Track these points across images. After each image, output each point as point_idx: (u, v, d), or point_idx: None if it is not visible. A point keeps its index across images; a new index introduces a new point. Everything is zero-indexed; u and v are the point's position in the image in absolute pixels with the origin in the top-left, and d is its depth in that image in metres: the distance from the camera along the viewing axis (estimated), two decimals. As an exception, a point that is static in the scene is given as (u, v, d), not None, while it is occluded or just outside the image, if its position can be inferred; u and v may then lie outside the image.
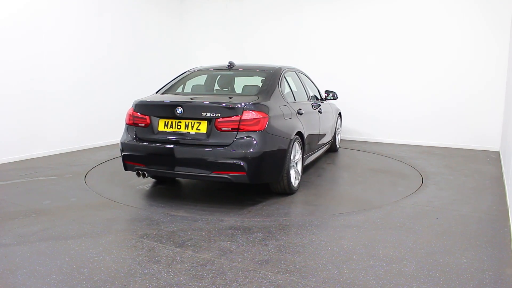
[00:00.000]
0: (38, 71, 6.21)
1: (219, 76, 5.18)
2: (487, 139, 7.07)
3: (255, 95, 4.25)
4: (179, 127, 3.96)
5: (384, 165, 5.97)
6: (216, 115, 3.82)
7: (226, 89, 5.01)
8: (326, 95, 6.12)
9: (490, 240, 3.19)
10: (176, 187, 4.82)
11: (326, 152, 6.71)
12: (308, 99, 5.36)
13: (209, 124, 3.85)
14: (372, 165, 5.99)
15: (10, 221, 3.54)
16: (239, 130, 3.77)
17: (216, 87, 5.08)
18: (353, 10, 7.93)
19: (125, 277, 2.57)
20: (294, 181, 4.38)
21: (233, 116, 3.79)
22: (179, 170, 3.93)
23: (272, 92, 4.33)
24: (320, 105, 5.70)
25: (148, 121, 4.09)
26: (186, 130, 3.92)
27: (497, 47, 6.84)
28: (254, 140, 3.77)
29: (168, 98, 4.30)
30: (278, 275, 2.61)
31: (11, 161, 5.88)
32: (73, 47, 6.72)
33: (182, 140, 3.92)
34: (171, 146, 3.92)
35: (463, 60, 7.13)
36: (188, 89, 4.90)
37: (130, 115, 4.25)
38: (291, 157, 4.24)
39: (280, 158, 4.05)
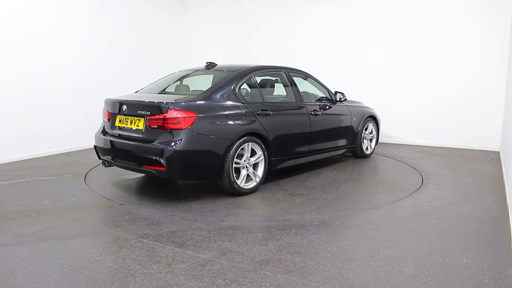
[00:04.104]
0: (38, 71, 6.21)
1: (195, 77, 5.28)
2: (487, 139, 7.07)
3: (197, 94, 4.39)
4: (126, 123, 4.34)
5: (382, 172, 5.94)
6: (147, 113, 4.11)
7: (197, 89, 5.04)
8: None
9: (490, 240, 3.19)
10: (176, 186, 4.82)
11: (353, 158, 6.31)
12: (298, 100, 5.18)
13: (144, 122, 4.14)
14: (371, 172, 5.98)
15: (10, 221, 3.54)
16: (164, 128, 3.99)
17: (192, 87, 5.11)
18: (353, 10, 7.93)
19: (125, 277, 2.57)
20: (245, 183, 4.36)
21: (159, 114, 4.01)
22: (121, 161, 4.37)
23: (218, 92, 4.38)
24: (326, 107, 5.52)
25: (109, 116, 4.55)
26: (130, 126, 4.29)
27: (498, 48, 6.84)
28: (176, 138, 3.93)
29: (124, 97, 4.63)
30: (278, 275, 2.61)
31: (11, 161, 5.88)
32: (73, 47, 6.73)
33: (126, 135, 4.33)
34: (119, 140, 4.35)
35: (464, 61, 7.12)
36: (161, 88, 4.96)
37: (102, 111, 4.73)
38: (241, 159, 4.29)
39: (214, 158, 4.08)
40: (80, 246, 3.04)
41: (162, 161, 3.90)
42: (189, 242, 3.12)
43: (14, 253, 2.91)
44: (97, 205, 4.09)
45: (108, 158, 4.53)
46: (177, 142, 3.91)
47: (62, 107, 6.62)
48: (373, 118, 6.52)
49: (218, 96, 4.35)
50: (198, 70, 5.30)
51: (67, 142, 6.74)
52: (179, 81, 5.15)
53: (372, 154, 6.57)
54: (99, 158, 4.73)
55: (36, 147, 6.27)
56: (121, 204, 4.06)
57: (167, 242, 3.13)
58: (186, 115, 3.97)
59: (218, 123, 4.15)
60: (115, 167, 4.69)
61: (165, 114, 3.96)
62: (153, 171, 4.04)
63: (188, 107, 4.04)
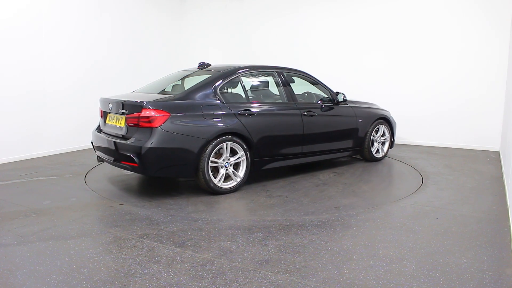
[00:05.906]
0: (38, 71, 6.21)
1: (195, 76, 5.24)
2: (487, 139, 7.06)
3: (175, 94, 4.55)
4: (113, 121, 4.52)
5: (380, 175, 5.89)
6: (126, 111, 4.28)
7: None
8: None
9: (490, 240, 3.19)
10: (176, 186, 4.82)
11: (364, 161, 6.08)
12: (290, 101, 5.07)
13: (125, 120, 4.29)
14: (369, 175, 5.96)
15: (10, 221, 3.54)
16: (139, 126, 4.14)
17: (185, 86, 5.11)
18: (353, 10, 7.92)
19: (125, 277, 2.57)
20: (224, 182, 4.40)
21: (135, 113, 4.17)
22: (105, 157, 4.55)
23: (198, 92, 4.45)
24: (326, 107, 5.39)
25: (102, 114, 4.80)
26: (115, 124, 4.47)
27: (498, 48, 6.83)
28: (148, 136, 4.06)
29: (114, 96, 4.79)
30: (278, 275, 2.61)
31: (11, 161, 5.88)
32: (73, 47, 6.73)
33: (112, 132, 4.53)
34: (107, 137, 4.51)
35: (464, 61, 7.12)
36: (157, 88, 4.98)
37: (99, 109, 4.96)
38: (220, 158, 4.33)
39: (187, 156, 4.15)
40: (80, 246, 3.04)
41: (134, 157, 4.06)
42: (189, 242, 3.12)
43: (14, 253, 2.91)
44: (97, 205, 4.09)
45: (99, 153, 4.73)
46: (149, 139, 4.03)
47: (62, 107, 6.62)
48: (386, 120, 6.19)
49: (197, 95, 4.43)
50: (198, 70, 5.28)
51: (67, 142, 6.73)
52: (180, 81, 5.15)
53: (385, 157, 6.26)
54: (95, 152, 4.93)
55: (36, 147, 6.27)
56: (121, 204, 4.07)
57: (167, 242, 3.13)
58: (158, 114, 4.08)
59: (192, 122, 4.22)
60: (114, 165, 4.70)
61: (139, 113, 4.11)
62: (128, 167, 4.23)
63: (161, 106, 4.15)
